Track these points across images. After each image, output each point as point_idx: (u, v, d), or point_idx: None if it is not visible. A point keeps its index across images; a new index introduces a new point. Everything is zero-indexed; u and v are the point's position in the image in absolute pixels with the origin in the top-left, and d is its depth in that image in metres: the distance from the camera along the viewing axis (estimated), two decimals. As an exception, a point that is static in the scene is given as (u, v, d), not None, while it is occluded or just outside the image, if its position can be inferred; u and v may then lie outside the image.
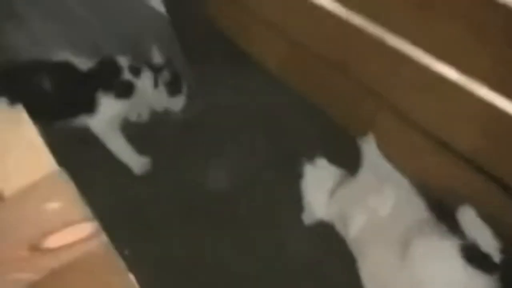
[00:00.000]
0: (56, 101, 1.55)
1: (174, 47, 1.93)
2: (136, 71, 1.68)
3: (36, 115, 1.39)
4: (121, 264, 0.43)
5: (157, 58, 1.73)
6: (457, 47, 1.15)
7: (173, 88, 1.72)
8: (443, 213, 1.29)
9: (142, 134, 1.78)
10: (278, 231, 1.50)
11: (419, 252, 1.18)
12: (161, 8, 2.03)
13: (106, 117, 1.63)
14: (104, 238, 0.43)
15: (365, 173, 1.44)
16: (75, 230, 0.43)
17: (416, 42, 1.22)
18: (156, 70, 1.71)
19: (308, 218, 1.49)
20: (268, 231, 1.51)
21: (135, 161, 1.68)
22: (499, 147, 1.17)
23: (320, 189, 1.46)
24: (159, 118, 1.82)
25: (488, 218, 1.17)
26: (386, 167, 1.44)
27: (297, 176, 1.52)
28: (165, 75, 1.70)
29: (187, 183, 1.67)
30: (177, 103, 1.77)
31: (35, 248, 0.43)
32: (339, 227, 1.42)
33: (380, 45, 1.29)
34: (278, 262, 1.43)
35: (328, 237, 1.43)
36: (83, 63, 1.59)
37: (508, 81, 1.05)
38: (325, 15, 1.44)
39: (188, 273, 1.42)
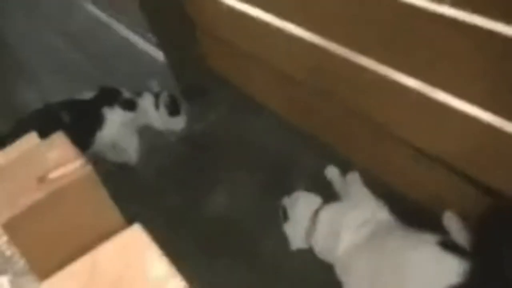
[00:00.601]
0: (75, 131, 1.80)
1: (171, 85, 2.19)
2: (137, 93, 1.97)
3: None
4: (101, 186, 0.64)
5: (156, 87, 2.02)
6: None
7: (173, 109, 1.99)
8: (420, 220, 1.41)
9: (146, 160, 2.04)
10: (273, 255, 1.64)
11: (396, 245, 1.31)
12: (158, 54, 2.31)
13: (115, 123, 1.89)
14: (89, 168, 0.65)
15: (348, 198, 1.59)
16: (69, 166, 0.65)
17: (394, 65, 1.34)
18: (155, 95, 1.98)
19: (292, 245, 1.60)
20: (264, 254, 1.65)
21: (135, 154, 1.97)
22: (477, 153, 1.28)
23: (298, 221, 1.56)
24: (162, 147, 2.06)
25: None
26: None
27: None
28: (165, 96, 1.97)
29: (189, 207, 1.86)
30: (178, 123, 2.03)
31: (42, 179, 0.65)
32: (322, 250, 1.51)
33: (366, 71, 1.41)
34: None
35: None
36: (87, 95, 1.87)
37: (483, 94, 1.15)
38: (304, 45, 1.58)
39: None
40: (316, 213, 1.52)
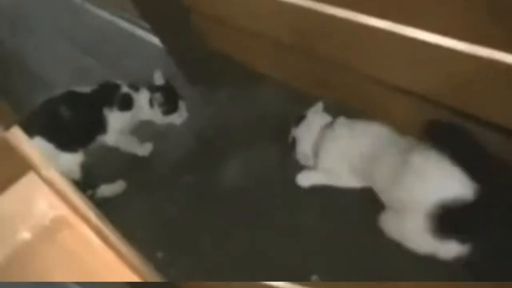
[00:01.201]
0: (77, 126, 1.92)
1: (173, 72, 2.28)
2: (135, 88, 2.05)
3: (66, 146, 1.80)
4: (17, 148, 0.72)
5: (159, 80, 2.09)
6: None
7: (167, 108, 2.07)
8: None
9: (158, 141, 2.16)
10: (292, 214, 1.72)
11: (419, 160, 1.39)
12: (155, 40, 2.41)
13: (116, 130, 2.00)
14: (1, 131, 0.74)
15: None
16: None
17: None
18: (152, 90, 2.05)
19: (302, 181, 1.75)
20: (284, 215, 1.74)
21: (140, 149, 2.10)
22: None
23: (310, 129, 1.74)
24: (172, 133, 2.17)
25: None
26: None
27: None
28: (158, 97, 2.04)
29: (206, 183, 1.96)
30: (176, 119, 2.12)
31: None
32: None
33: (339, 21, 1.44)
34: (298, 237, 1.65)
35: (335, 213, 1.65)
36: (85, 88, 1.97)
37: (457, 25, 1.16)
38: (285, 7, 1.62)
39: (217, 258, 1.68)
40: (325, 127, 1.71)
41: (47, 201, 0.63)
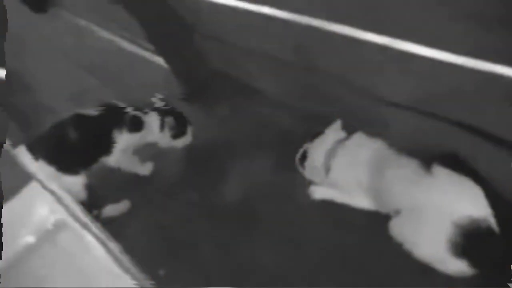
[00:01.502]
0: (82, 148, 1.96)
1: (174, 90, 2.34)
2: (142, 110, 2.09)
3: (68, 167, 1.84)
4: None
5: (160, 102, 2.14)
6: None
7: (178, 132, 2.12)
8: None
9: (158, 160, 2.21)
10: (292, 227, 1.77)
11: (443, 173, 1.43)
12: (160, 61, 2.47)
13: (121, 151, 2.04)
14: None
15: None
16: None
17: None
18: (162, 114, 2.10)
19: (315, 193, 1.79)
20: (284, 228, 1.78)
21: (141, 168, 2.13)
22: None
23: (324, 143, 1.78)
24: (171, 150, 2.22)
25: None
26: None
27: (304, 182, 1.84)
28: (170, 121, 2.09)
29: (208, 198, 2.01)
30: (181, 143, 2.17)
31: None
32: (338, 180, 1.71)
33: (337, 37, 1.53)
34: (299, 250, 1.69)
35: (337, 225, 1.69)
36: (91, 111, 2.02)
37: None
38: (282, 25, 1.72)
39: (219, 272, 1.72)
40: (339, 142, 1.74)
41: (48, 207, 0.68)
